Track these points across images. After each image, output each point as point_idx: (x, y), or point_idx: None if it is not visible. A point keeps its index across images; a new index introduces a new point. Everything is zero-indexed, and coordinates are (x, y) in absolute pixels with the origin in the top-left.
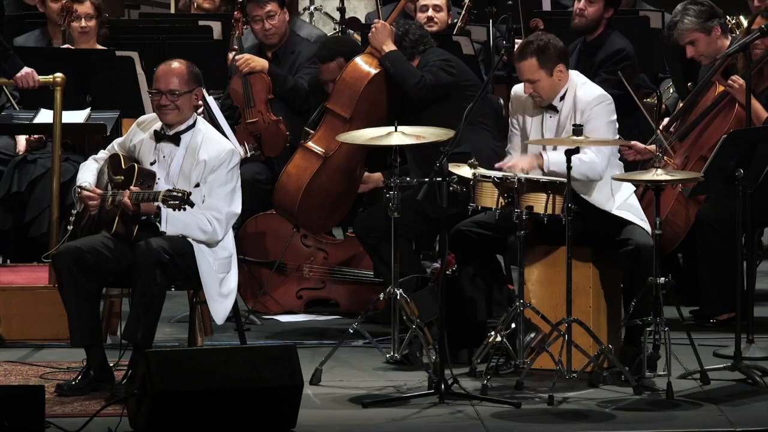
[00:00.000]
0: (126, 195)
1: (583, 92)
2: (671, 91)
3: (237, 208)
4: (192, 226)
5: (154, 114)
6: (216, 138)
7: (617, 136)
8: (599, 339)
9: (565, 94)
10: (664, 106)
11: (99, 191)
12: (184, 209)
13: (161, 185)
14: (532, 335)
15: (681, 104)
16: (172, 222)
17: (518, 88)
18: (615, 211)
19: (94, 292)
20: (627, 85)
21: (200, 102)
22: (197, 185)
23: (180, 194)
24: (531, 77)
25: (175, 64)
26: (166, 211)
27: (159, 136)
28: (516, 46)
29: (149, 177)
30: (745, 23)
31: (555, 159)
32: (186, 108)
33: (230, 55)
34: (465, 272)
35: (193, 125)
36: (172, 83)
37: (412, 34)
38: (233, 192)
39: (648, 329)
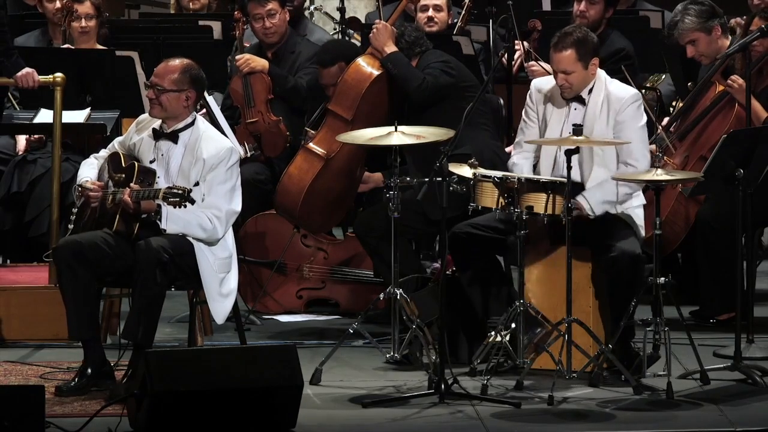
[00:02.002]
0: (126, 193)
1: (616, 88)
2: (663, 77)
3: (237, 206)
4: (192, 224)
5: None
6: (215, 136)
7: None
8: (599, 339)
9: (593, 87)
10: (659, 91)
11: (100, 183)
12: (185, 206)
13: (161, 183)
14: (537, 330)
15: (681, 104)
16: (172, 220)
17: (539, 82)
18: (617, 210)
19: (93, 286)
20: (632, 83)
21: (193, 104)
22: (197, 184)
23: (180, 191)
24: (567, 68)
25: (173, 62)
26: (166, 209)
27: (157, 135)
28: (515, 42)
29: (149, 175)
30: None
31: (595, 200)
32: (172, 107)
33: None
34: (463, 273)
35: (191, 124)
36: (160, 79)
37: (408, 36)
38: (233, 190)
39: (648, 329)
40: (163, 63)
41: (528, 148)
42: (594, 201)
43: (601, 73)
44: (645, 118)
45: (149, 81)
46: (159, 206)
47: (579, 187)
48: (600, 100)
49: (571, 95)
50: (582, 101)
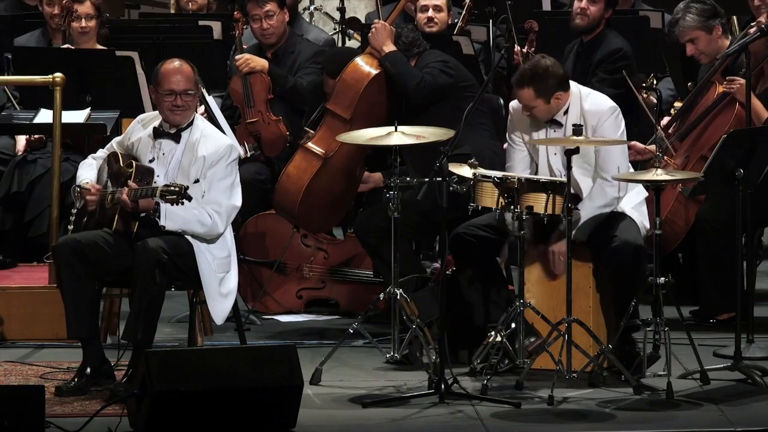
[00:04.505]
0: (124, 192)
1: (591, 104)
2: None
3: (237, 201)
4: (191, 221)
5: (153, 113)
6: (214, 134)
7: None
8: (599, 339)
9: (568, 108)
10: (658, 91)
11: (98, 187)
12: (182, 203)
13: (160, 182)
14: (532, 340)
15: (680, 104)
16: (171, 217)
17: (516, 104)
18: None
19: (93, 285)
20: (631, 84)
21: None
22: (196, 181)
23: (177, 188)
24: (528, 104)
25: (182, 64)
26: (164, 207)
27: (158, 134)
28: (515, 47)
29: (147, 174)
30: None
31: (585, 213)
32: (194, 107)
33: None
34: (463, 275)
35: (191, 122)
36: (185, 84)
37: (405, 37)
38: (233, 186)
39: (648, 329)
40: (173, 67)
41: (519, 170)
42: (586, 212)
43: (576, 90)
44: (623, 126)
45: (170, 90)
46: (157, 204)
47: (574, 198)
48: (576, 117)
49: (541, 121)
50: (558, 123)
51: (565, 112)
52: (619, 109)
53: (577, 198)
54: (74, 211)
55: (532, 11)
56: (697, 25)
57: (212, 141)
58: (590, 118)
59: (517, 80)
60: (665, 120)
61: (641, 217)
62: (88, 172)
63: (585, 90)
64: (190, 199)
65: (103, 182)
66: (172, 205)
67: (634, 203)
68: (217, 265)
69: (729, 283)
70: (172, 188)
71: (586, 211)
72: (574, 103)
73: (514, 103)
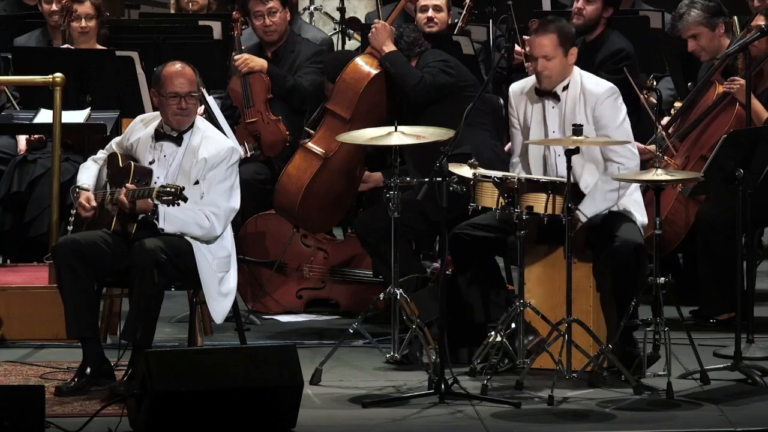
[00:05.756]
0: (122, 193)
1: (592, 84)
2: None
3: (236, 204)
4: (189, 223)
5: (154, 113)
6: (215, 136)
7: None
8: (599, 339)
9: (568, 84)
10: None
11: (94, 203)
12: (178, 204)
13: (161, 184)
14: (530, 338)
15: (680, 104)
16: (169, 220)
17: (515, 85)
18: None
19: (93, 286)
20: (633, 83)
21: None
22: (196, 182)
23: (173, 189)
24: (549, 53)
25: (185, 67)
26: (163, 209)
27: (159, 136)
28: (515, 46)
29: (146, 174)
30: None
31: (590, 209)
32: (196, 110)
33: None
34: (462, 275)
35: (192, 124)
36: (188, 86)
37: (406, 37)
38: (232, 188)
39: (648, 329)
40: (175, 69)
41: (522, 152)
42: (589, 211)
43: (576, 70)
44: (624, 111)
45: (174, 92)
46: (156, 206)
47: (574, 188)
48: (575, 96)
49: (549, 85)
50: (557, 97)
51: (565, 88)
52: (618, 92)
53: (576, 197)
54: (74, 211)
55: (532, 11)
56: (701, 20)
57: (213, 143)
58: (589, 96)
59: (539, 28)
60: (665, 120)
61: (634, 208)
62: (87, 175)
63: (585, 73)
64: (185, 200)
65: (102, 184)
66: (169, 206)
67: (630, 191)
68: (217, 264)
69: (729, 283)
70: (168, 189)
71: (598, 193)
72: (574, 80)
73: (513, 86)
